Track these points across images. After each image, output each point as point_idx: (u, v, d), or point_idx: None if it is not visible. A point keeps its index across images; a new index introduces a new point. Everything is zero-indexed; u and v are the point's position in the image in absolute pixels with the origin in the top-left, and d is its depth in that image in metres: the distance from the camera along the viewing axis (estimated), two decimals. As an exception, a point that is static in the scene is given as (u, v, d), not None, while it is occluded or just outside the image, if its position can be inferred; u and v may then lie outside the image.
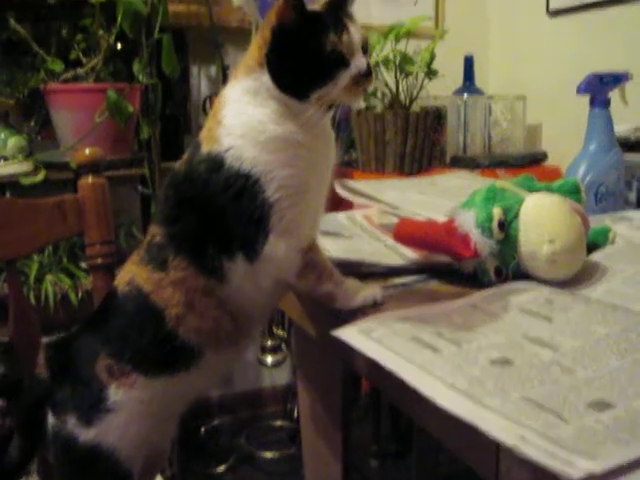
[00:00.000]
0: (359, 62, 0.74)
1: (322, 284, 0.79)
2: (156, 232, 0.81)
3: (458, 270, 0.86)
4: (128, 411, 0.79)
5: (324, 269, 0.79)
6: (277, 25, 0.73)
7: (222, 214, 0.76)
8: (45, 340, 0.94)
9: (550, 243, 0.79)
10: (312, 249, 0.79)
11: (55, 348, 0.88)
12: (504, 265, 0.82)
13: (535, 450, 0.46)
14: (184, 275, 0.77)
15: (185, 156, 0.82)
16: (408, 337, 0.65)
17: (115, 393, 0.79)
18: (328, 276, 0.79)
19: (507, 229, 0.81)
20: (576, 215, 0.82)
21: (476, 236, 0.80)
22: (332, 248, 0.95)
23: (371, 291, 0.80)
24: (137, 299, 0.80)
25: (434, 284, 0.87)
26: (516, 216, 0.82)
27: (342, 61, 0.73)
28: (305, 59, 0.73)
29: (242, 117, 0.76)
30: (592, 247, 0.92)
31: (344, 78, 0.73)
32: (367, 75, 0.74)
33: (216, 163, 0.75)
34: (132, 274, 0.81)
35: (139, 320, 0.80)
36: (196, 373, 0.80)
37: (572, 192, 0.91)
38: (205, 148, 0.77)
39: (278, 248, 0.76)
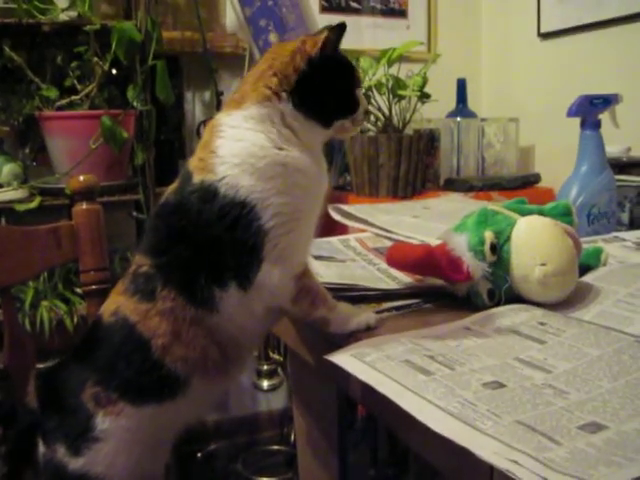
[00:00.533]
0: (364, 101, 0.83)
1: (316, 309, 0.79)
2: (142, 262, 0.80)
3: (451, 293, 0.87)
4: (116, 440, 0.79)
5: (317, 294, 0.79)
6: (318, 56, 0.77)
7: (215, 244, 0.76)
8: (35, 369, 0.93)
9: (542, 266, 0.79)
10: (305, 275, 0.79)
11: (44, 377, 0.87)
12: (497, 288, 0.82)
13: (528, 474, 0.46)
14: (172, 305, 0.77)
15: (174, 186, 0.81)
16: (401, 360, 0.65)
17: (102, 422, 0.78)
18: (322, 301, 0.79)
19: (499, 252, 0.81)
20: (567, 238, 0.83)
21: (468, 259, 0.81)
22: (325, 273, 0.96)
23: (364, 315, 0.80)
24: (123, 329, 0.79)
25: (427, 308, 0.87)
26: (508, 239, 0.82)
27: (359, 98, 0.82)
28: (340, 91, 0.80)
29: (240, 144, 0.77)
30: (584, 269, 0.92)
31: (360, 112, 0.82)
32: (367, 113, 0.80)
33: (210, 192, 0.75)
34: (117, 304, 0.80)
35: (125, 349, 0.79)
36: (183, 402, 0.80)
37: (563, 214, 0.91)
38: (197, 178, 0.77)
39: (272, 275, 0.76)
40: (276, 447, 2.49)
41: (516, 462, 0.47)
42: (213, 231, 0.76)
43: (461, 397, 0.57)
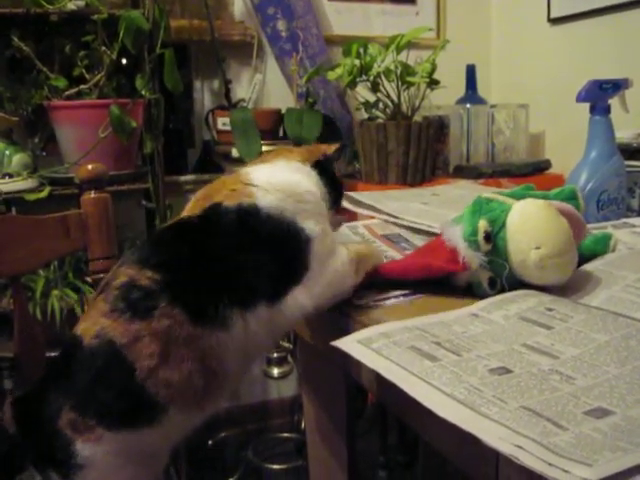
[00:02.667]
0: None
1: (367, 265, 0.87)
2: (137, 275, 0.77)
3: (454, 285, 0.86)
4: (103, 464, 0.76)
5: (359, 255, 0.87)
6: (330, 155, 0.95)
7: (253, 262, 0.78)
8: (11, 395, 0.89)
9: (537, 249, 0.79)
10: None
11: (21, 403, 0.83)
12: (497, 276, 0.82)
13: (532, 458, 0.46)
14: (169, 324, 0.74)
15: (189, 212, 0.84)
16: (407, 347, 0.65)
17: (83, 449, 0.75)
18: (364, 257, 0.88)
19: (495, 240, 0.81)
20: (562, 218, 0.81)
21: (464, 250, 0.81)
22: None
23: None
24: (107, 352, 0.75)
25: (433, 295, 0.86)
26: (503, 225, 0.81)
27: None
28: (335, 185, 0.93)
29: (277, 177, 0.84)
30: (593, 255, 0.92)
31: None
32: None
33: (250, 214, 0.79)
34: (101, 326, 0.75)
35: (106, 373, 0.75)
36: (160, 429, 0.77)
37: (569, 199, 0.91)
38: (231, 202, 0.80)
39: (336, 261, 0.82)
40: (286, 434, 2.50)
41: (521, 447, 0.47)
42: (253, 250, 0.78)
43: (467, 383, 0.57)
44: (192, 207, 0.84)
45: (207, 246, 0.79)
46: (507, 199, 0.84)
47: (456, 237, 0.82)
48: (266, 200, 0.79)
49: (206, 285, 0.77)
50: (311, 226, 0.80)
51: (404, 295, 0.86)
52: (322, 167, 0.91)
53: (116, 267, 0.81)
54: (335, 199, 0.92)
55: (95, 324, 0.76)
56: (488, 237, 0.80)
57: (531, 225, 0.80)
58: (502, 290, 0.82)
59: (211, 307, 0.76)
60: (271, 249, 0.78)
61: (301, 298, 0.79)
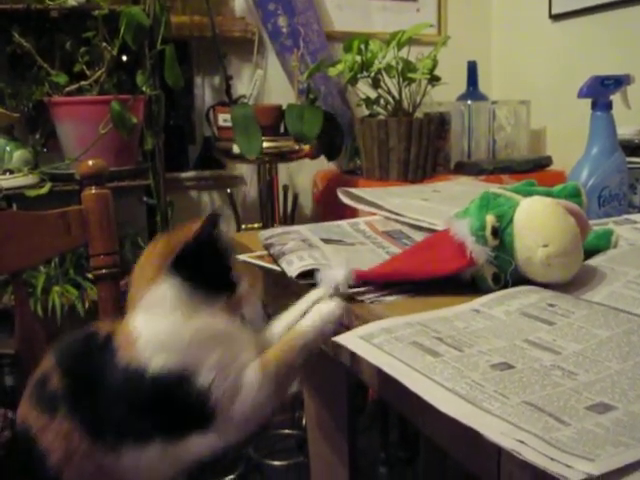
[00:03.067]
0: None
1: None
2: (52, 373, 0.79)
3: (457, 278, 0.86)
4: None
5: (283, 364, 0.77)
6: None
7: (143, 414, 0.75)
8: None
9: (544, 247, 0.78)
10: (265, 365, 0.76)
11: None
12: (502, 271, 0.81)
13: (535, 454, 0.45)
14: (70, 429, 0.75)
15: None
16: (409, 342, 0.65)
17: None
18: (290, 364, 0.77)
19: (502, 235, 0.81)
20: (569, 217, 0.81)
21: (471, 244, 0.80)
22: (333, 256, 0.95)
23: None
24: (27, 439, 0.77)
25: (434, 291, 0.86)
26: (510, 221, 0.81)
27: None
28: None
29: (149, 333, 0.76)
30: (594, 251, 0.92)
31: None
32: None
33: (137, 373, 0.74)
34: (23, 411, 0.79)
35: (28, 459, 0.77)
36: None
37: (572, 195, 0.90)
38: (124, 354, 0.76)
39: (247, 396, 0.74)
40: (287, 431, 2.50)
41: (523, 442, 0.47)
42: (142, 404, 0.75)
43: (469, 378, 0.57)
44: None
45: (104, 375, 0.77)
46: (514, 195, 0.84)
47: (464, 231, 0.81)
48: (149, 363, 0.74)
49: (100, 410, 0.76)
50: (204, 373, 0.72)
51: (403, 292, 0.86)
52: (186, 262, 0.77)
53: (51, 351, 0.83)
54: (222, 285, 0.79)
55: (20, 409, 0.80)
56: (496, 232, 0.80)
57: (539, 222, 0.80)
58: (505, 286, 0.82)
59: (102, 431, 0.75)
60: (161, 407, 0.74)
61: (209, 441, 0.75)
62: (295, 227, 1.18)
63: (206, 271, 0.78)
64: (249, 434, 0.77)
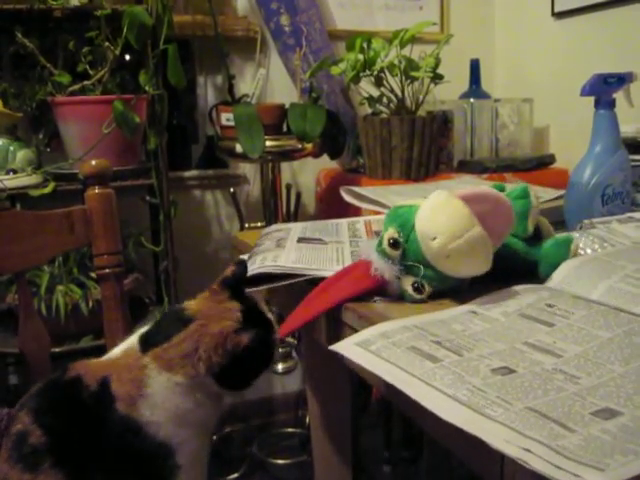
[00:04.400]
0: None
1: None
2: (31, 428, 0.80)
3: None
4: None
5: None
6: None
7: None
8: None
9: (434, 240, 0.76)
10: None
11: None
12: (422, 279, 0.81)
13: (541, 462, 0.45)
14: None
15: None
16: (407, 347, 0.65)
17: None
18: None
19: (404, 244, 0.80)
20: (453, 201, 0.77)
21: (375, 261, 0.81)
22: (285, 256, 0.95)
23: None
24: None
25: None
26: (413, 228, 0.80)
27: None
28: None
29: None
30: (554, 259, 0.89)
31: None
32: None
33: (132, 431, 0.80)
34: (4, 473, 0.80)
35: None
36: None
37: (520, 197, 0.89)
38: (121, 407, 0.81)
39: None
40: (291, 430, 2.50)
41: (528, 450, 0.46)
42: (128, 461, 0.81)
43: (470, 384, 0.56)
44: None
45: (93, 429, 0.80)
46: (417, 201, 0.82)
47: (368, 251, 0.82)
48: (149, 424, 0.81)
49: (88, 464, 0.79)
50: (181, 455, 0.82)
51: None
52: (228, 373, 0.84)
53: (19, 405, 0.84)
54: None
55: (0, 471, 0.80)
56: (395, 243, 0.79)
57: (426, 219, 0.78)
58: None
59: None
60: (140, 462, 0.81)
61: None
62: (290, 224, 1.18)
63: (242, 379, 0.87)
64: None
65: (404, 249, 0.80)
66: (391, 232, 0.80)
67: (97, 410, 0.80)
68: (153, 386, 0.82)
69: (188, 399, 0.83)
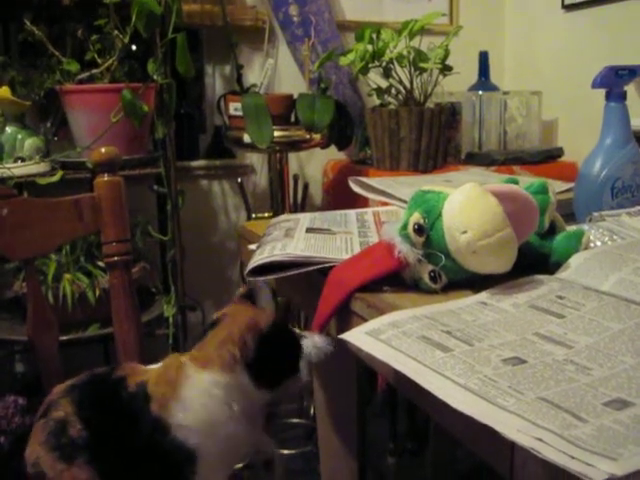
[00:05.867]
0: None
1: None
2: (71, 419, 0.81)
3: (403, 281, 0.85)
4: None
5: None
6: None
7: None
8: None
9: (464, 234, 0.75)
10: None
11: None
12: (440, 269, 0.80)
13: (554, 452, 0.45)
14: (87, 477, 0.79)
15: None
16: (418, 337, 0.64)
17: None
18: None
19: (428, 231, 0.78)
20: (488, 198, 0.76)
21: (399, 244, 0.79)
22: (294, 245, 0.95)
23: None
24: None
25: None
26: (439, 216, 0.78)
27: None
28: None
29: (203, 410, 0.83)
30: (565, 252, 0.88)
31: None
32: None
33: (162, 430, 0.81)
34: (37, 455, 0.81)
35: None
36: None
37: (539, 192, 0.88)
38: (154, 408, 0.82)
39: None
40: (296, 420, 2.51)
41: (541, 440, 0.46)
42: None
43: (481, 374, 0.56)
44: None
45: (128, 429, 0.82)
46: (445, 189, 0.81)
47: (392, 233, 0.80)
48: (179, 427, 0.81)
49: (119, 462, 0.80)
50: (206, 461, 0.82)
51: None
52: (256, 361, 0.84)
53: (61, 391, 0.85)
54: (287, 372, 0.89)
55: (34, 452, 0.81)
56: (420, 229, 0.78)
57: (457, 210, 0.77)
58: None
59: None
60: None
61: None
62: (299, 215, 1.18)
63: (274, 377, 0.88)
64: None
65: (428, 236, 0.78)
66: (417, 216, 0.78)
67: (133, 410, 0.82)
68: (188, 387, 0.82)
69: (222, 409, 0.83)
